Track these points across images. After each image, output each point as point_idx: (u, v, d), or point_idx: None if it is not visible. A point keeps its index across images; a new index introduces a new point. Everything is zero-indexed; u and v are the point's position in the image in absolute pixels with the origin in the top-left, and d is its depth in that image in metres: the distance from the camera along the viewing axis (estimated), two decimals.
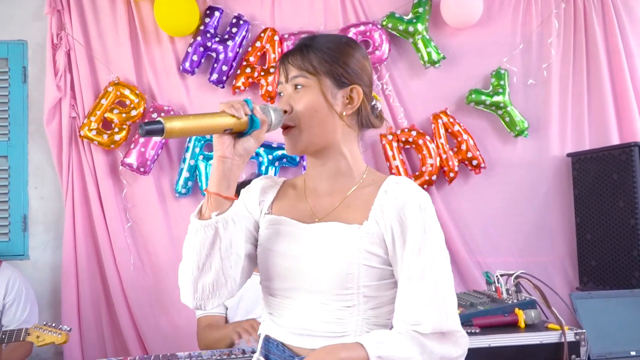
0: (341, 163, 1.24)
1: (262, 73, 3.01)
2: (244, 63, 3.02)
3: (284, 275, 1.19)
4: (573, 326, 2.00)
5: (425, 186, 3.04)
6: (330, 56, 1.20)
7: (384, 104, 3.13)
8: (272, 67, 3.00)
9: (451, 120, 3.09)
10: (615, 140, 3.18)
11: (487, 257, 3.16)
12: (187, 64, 2.99)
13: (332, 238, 1.16)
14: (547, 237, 3.21)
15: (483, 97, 3.10)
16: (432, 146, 3.05)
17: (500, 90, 3.11)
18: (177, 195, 3.03)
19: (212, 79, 3.01)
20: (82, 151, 2.97)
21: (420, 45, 3.07)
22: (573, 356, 1.90)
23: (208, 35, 2.99)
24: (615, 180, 2.88)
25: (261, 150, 2.99)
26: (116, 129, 2.94)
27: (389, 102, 3.14)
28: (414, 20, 3.05)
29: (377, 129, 1.31)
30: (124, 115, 2.94)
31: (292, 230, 1.21)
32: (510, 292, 2.14)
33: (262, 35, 3.04)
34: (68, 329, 2.25)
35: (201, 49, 3.00)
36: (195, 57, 3.00)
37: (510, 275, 2.17)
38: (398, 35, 3.11)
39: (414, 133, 3.06)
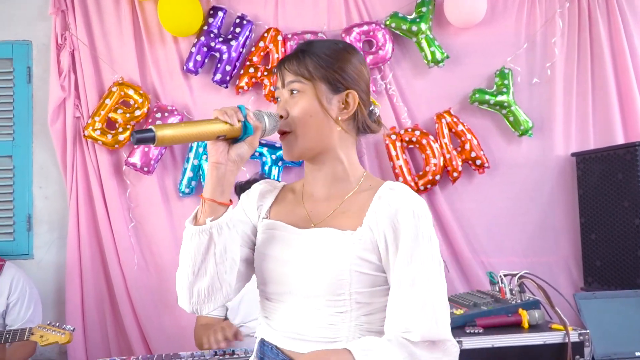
0: (338, 168, 1.24)
1: (266, 73, 3.01)
2: (248, 63, 3.02)
3: (277, 279, 1.20)
4: (577, 326, 2.00)
5: (429, 186, 3.04)
6: (326, 61, 1.20)
7: (388, 103, 3.12)
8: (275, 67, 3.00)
9: (455, 119, 3.09)
10: (620, 140, 3.16)
11: (491, 257, 3.16)
12: (191, 64, 3.00)
13: (324, 244, 1.16)
14: (551, 237, 3.20)
15: (487, 97, 3.09)
16: (435, 146, 3.04)
17: (504, 90, 3.10)
18: (180, 195, 3.03)
19: (215, 79, 3.02)
20: (86, 151, 2.98)
21: (424, 44, 3.07)
22: (577, 357, 1.90)
23: (211, 35, 3.00)
24: (620, 180, 2.87)
25: (264, 150, 2.99)
26: (120, 129, 2.94)
27: (392, 102, 3.14)
28: (418, 20, 3.04)
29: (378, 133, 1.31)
30: (127, 115, 2.95)
31: (286, 235, 1.22)
32: (514, 292, 2.14)
33: (266, 35, 3.04)
34: (72, 328, 2.26)
35: (205, 49, 3.00)
36: (198, 57, 3.00)
37: (514, 275, 2.16)
38: (401, 34, 3.10)
39: (417, 133, 3.05)
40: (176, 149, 3.08)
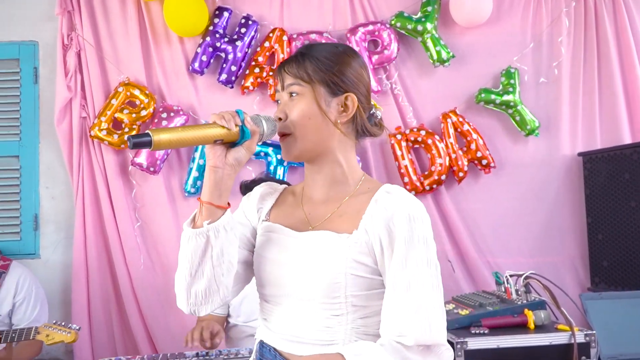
0: (337, 171, 1.24)
1: (271, 73, 3.01)
2: (253, 63, 3.02)
3: (274, 282, 1.21)
4: (583, 327, 1.99)
5: (435, 186, 3.03)
6: (325, 64, 1.21)
7: (393, 103, 3.12)
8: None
9: (460, 119, 3.08)
10: (627, 140, 3.15)
11: (497, 257, 3.15)
12: (197, 64, 3.00)
13: (320, 247, 1.17)
14: (557, 237, 3.19)
15: (493, 96, 3.08)
16: (441, 146, 3.03)
17: (511, 89, 3.09)
18: (186, 194, 3.04)
19: (221, 79, 3.02)
20: (92, 151, 2.99)
21: (430, 44, 3.06)
22: (583, 358, 1.89)
23: (217, 35, 3.00)
24: (627, 180, 2.85)
25: (270, 150, 3.00)
26: (126, 129, 2.95)
27: (397, 102, 3.13)
28: (423, 19, 3.04)
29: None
30: (134, 115, 2.96)
31: (283, 238, 1.23)
32: (519, 292, 2.13)
33: (271, 35, 3.04)
34: (77, 327, 2.26)
35: (210, 49, 3.01)
36: (204, 58, 3.01)
37: (519, 275, 2.15)
38: (407, 34, 3.10)
39: (423, 132, 3.04)
40: (182, 149, 3.09)
